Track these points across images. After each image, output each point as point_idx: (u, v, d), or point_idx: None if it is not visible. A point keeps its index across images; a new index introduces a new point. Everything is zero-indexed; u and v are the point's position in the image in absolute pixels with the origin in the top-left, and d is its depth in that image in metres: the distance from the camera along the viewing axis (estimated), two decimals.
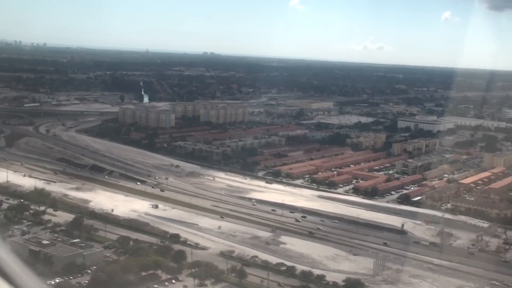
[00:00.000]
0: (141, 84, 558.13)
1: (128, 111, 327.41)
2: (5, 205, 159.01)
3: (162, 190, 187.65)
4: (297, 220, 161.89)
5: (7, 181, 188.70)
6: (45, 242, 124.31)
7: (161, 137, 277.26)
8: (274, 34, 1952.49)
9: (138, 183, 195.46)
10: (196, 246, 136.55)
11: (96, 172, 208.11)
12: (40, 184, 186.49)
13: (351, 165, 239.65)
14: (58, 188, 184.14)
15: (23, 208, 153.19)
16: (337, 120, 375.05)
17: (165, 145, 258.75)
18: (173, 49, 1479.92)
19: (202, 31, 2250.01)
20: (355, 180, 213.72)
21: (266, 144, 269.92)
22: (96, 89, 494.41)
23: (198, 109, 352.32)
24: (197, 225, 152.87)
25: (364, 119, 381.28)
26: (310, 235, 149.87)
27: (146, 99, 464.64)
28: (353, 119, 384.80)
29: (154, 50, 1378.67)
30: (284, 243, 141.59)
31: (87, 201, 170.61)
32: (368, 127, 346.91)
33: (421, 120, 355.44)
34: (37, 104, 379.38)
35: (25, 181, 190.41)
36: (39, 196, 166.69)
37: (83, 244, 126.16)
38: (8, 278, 16.69)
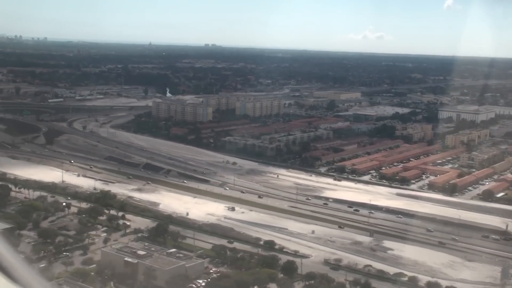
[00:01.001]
0: (158, 77, 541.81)
1: (162, 105, 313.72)
2: (73, 209, 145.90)
3: (225, 189, 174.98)
4: (390, 222, 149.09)
5: (63, 181, 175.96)
6: (140, 252, 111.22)
7: (203, 132, 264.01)
8: (272, 25, 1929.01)
9: (202, 183, 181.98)
10: (296, 254, 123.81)
11: (151, 171, 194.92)
12: (98, 185, 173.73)
13: (411, 159, 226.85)
14: (118, 189, 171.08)
15: (96, 212, 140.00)
16: (372, 111, 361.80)
17: (211, 141, 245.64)
18: (174, 41, 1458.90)
19: (202, 23, 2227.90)
20: (424, 175, 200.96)
21: (315, 138, 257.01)
22: (115, 83, 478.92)
23: (232, 102, 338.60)
24: (287, 229, 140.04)
25: (399, 110, 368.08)
26: (413, 238, 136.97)
27: (167, 93, 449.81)
28: (388, 110, 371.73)
29: (156, 42, 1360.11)
30: (391, 249, 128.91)
31: (155, 204, 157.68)
32: (408, 118, 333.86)
33: (463, 110, 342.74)
34: (61, 99, 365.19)
35: (81, 181, 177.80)
36: (105, 198, 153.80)
37: (181, 255, 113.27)
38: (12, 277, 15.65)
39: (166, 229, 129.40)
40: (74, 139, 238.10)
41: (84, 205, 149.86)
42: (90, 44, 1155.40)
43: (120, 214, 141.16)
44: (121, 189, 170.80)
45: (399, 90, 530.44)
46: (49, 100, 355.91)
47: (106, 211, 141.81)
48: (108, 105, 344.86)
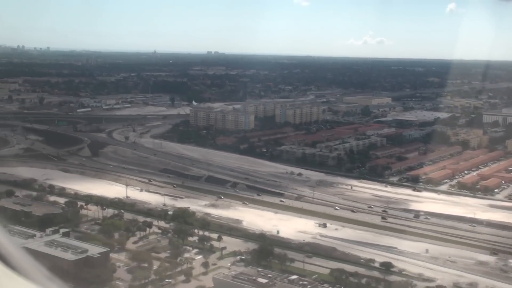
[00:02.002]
0: (177, 85, 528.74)
1: (200, 113, 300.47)
2: (154, 228, 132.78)
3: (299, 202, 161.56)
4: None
5: (127, 197, 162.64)
6: (261, 280, 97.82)
7: (251, 140, 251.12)
8: (271, 31, 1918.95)
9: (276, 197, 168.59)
10: (420, 277, 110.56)
11: (216, 184, 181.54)
12: (167, 200, 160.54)
13: (480, 167, 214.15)
14: (189, 204, 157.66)
15: (184, 232, 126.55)
16: (412, 116, 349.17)
17: (264, 150, 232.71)
18: (176, 49, 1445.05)
19: (202, 30, 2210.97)
20: (504, 184, 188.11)
21: (370, 145, 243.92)
22: (136, 91, 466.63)
23: (269, 109, 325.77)
24: (396, 248, 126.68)
25: (438, 114, 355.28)
26: None
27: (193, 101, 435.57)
28: (427, 114, 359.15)
29: (159, 51, 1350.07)
30: None
31: (238, 221, 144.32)
32: (451, 123, 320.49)
33: (508, 114, 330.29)
34: (89, 108, 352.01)
35: (147, 197, 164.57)
36: (183, 216, 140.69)
37: (305, 282, 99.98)
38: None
39: (271, 251, 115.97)
40: (121, 151, 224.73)
41: (163, 223, 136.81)
42: (94, 53, 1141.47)
43: (209, 233, 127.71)
44: (193, 205, 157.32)
45: (424, 94, 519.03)
46: (78, 110, 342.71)
47: (195, 231, 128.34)
48: (138, 114, 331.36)
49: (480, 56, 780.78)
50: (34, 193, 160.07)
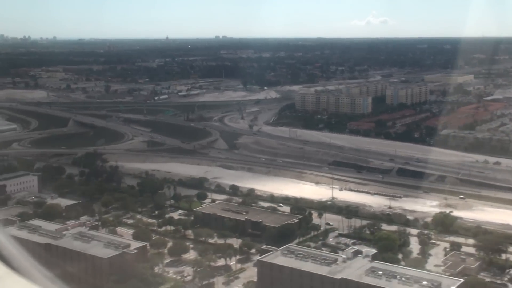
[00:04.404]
0: (231, 69, 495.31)
1: (308, 97, 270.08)
2: (440, 242, 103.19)
3: None
4: None
5: (333, 198, 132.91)
6: None
7: (388, 124, 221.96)
8: (276, 14, 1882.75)
9: None
10: None
11: (415, 178, 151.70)
12: (383, 201, 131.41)
13: None
14: (416, 205, 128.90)
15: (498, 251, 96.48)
16: None
17: (417, 135, 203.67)
18: (184, 35, 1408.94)
19: (209, 15, 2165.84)
20: None
21: None
22: (196, 76, 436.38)
23: (371, 91, 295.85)
24: None
25: None
26: None
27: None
28: None
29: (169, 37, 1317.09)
30: None
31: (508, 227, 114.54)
32: None
33: None
34: (166, 96, 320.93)
35: (356, 197, 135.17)
36: (444, 223, 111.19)
37: None
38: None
39: None
40: (263, 142, 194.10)
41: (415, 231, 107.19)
42: (103, 41, 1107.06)
43: None
44: (424, 206, 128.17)
45: (492, 71, 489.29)
46: (155, 98, 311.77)
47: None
48: (223, 101, 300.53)
49: (489, 34, 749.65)
50: (226, 196, 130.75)
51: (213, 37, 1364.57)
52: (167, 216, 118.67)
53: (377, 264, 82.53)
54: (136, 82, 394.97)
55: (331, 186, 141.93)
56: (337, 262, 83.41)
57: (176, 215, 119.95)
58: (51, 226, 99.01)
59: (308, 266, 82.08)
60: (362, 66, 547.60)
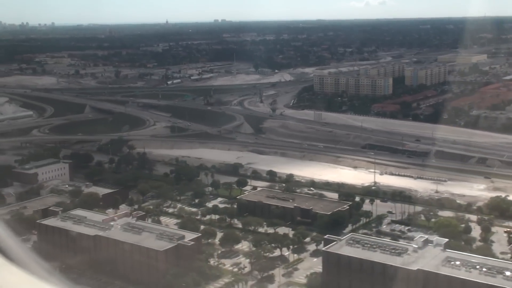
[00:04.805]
0: (238, 52, 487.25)
1: (326, 79, 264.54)
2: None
3: None
4: None
5: (375, 183, 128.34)
6: None
7: (413, 106, 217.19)
8: None
9: None
10: None
11: (454, 161, 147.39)
12: (429, 185, 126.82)
13: None
14: (463, 189, 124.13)
15: None
16: None
17: (446, 116, 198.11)
18: (183, 19, 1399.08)
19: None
20: None
21: None
22: (205, 60, 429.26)
23: (392, 71, 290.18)
24: None
25: None
26: None
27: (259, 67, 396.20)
28: None
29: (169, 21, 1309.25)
30: None
31: None
32: None
33: None
34: (179, 80, 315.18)
35: (399, 181, 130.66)
36: (501, 207, 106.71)
37: None
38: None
39: None
40: (290, 125, 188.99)
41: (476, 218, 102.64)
42: (102, 26, 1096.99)
43: None
44: (472, 190, 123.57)
45: (503, 50, 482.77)
46: (168, 82, 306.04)
47: None
48: (240, 84, 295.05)
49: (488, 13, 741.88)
50: (265, 183, 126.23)
51: (212, 21, 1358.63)
52: (208, 204, 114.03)
53: (452, 253, 78.01)
54: (145, 67, 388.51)
55: (370, 170, 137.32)
56: (408, 252, 78.87)
57: (216, 203, 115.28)
58: (97, 217, 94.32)
59: (378, 257, 77.45)
60: (370, 48, 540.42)
